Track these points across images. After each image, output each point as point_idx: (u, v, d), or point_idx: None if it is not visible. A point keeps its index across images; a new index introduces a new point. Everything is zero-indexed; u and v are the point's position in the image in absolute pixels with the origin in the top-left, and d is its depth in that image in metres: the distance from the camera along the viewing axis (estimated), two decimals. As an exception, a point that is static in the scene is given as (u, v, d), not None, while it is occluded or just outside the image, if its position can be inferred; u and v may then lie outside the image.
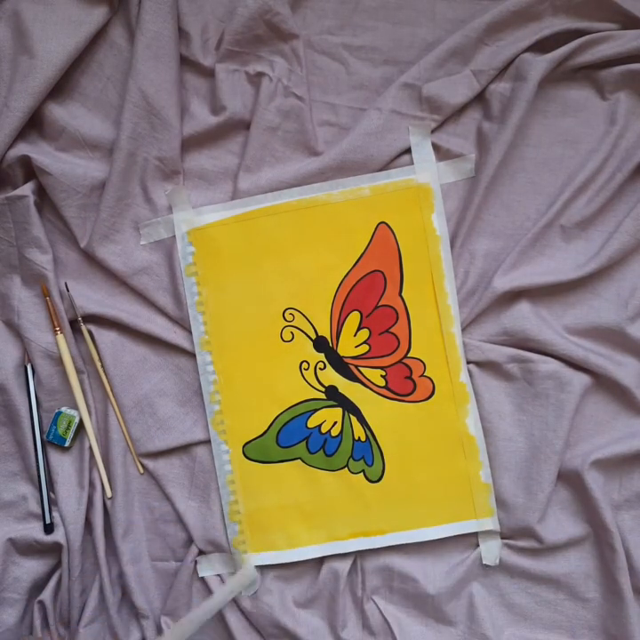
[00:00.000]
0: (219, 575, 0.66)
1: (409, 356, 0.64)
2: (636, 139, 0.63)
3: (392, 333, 0.65)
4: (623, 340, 0.62)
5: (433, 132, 0.64)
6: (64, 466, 0.67)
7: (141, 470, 0.67)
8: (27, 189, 0.64)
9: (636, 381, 0.62)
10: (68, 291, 0.65)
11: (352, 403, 0.65)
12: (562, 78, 0.64)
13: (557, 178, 0.63)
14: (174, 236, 0.66)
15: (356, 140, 0.63)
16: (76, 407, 0.66)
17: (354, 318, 0.65)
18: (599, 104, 0.64)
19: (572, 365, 0.62)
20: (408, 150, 0.64)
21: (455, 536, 0.64)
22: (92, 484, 0.66)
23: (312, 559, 0.66)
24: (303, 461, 0.65)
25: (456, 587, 0.64)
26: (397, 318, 0.65)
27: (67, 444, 0.66)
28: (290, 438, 0.65)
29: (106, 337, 0.66)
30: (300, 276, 0.65)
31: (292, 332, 0.65)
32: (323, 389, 0.65)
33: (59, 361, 0.65)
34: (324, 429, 0.65)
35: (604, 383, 0.63)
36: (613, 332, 0.63)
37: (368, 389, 0.65)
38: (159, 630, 0.66)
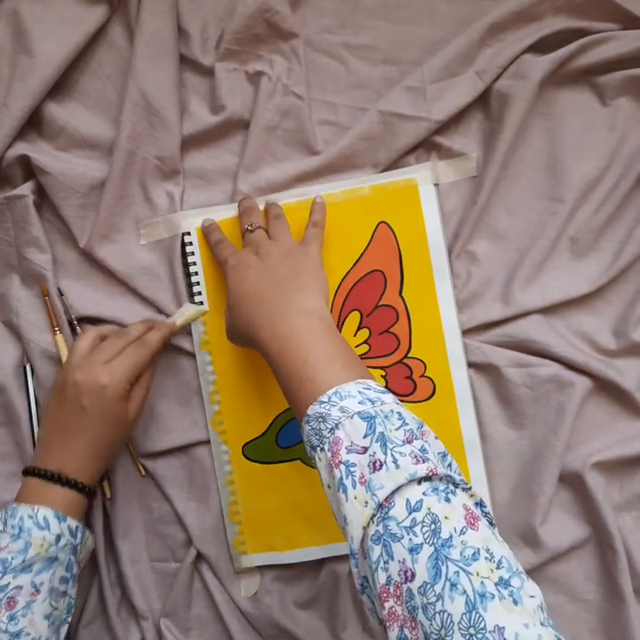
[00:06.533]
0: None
1: (409, 356, 0.64)
2: (638, 145, 0.62)
3: (392, 333, 0.64)
4: (625, 344, 0.62)
5: (434, 131, 0.63)
6: (63, 466, 0.67)
7: (142, 472, 0.67)
8: (26, 189, 0.63)
9: (636, 384, 0.62)
10: (61, 295, 0.65)
11: (352, 403, 0.64)
12: (562, 82, 0.63)
13: (559, 183, 0.62)
14: (174, 235, 0.65)
15: (356, 141, 0.63)
16: (74, 407, 0.66)
17: (354, 318, 0.65)
18: (599, 110, 0.63)
19: (572, 368, 0.62)
20: (408, 151, 0.64)
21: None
22: (91, 485, 0.66)
23: (312, 560, 0.65)
24: (303, 462, 0.65)
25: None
26: (398, 318, 0.64)
27: (66, 445, 0.66)
28: (289, 439, 0.65)
29: (105, 337, 0.66)
30: (300, 276, 0.65)
31: (291, 332, 0.65)
32: (323, 390, 0.65)
33: (58, 361, 0.65)
34: (323, 430, 0.65)
35: (604, 386, 0.62)
36: (617, 335, 0.62)
37: (368, 390, 0.64)
38: (158, 632, 0.66)
